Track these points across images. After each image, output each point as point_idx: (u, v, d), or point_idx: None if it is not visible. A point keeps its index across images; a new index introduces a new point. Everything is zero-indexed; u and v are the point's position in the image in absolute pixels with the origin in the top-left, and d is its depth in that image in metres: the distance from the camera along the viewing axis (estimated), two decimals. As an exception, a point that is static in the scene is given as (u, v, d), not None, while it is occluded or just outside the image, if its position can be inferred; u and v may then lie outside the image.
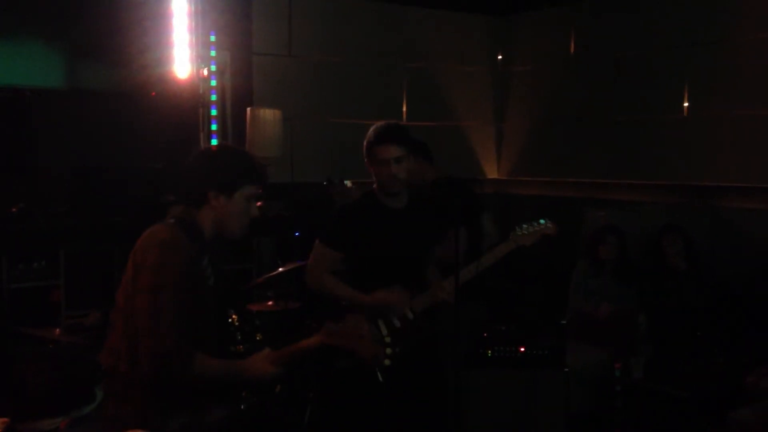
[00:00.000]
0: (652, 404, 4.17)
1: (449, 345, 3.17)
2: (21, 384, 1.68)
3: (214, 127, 5.50)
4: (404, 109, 6.52)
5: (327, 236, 3.23)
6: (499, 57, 7.03)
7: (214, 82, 5.46)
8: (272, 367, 2.40)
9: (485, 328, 4.00)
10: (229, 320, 3.41)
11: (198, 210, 2.38)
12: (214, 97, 5.48)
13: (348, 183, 3.95)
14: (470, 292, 3.25)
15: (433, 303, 3.24)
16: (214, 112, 5.49)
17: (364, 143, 3.18)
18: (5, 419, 1.67)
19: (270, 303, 4.20)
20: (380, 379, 3.16)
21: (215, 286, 2.43)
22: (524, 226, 3.30)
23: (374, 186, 3.25)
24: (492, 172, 7.09)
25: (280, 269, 4.08)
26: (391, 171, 3.10)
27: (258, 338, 3.59)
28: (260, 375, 2.41)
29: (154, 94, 5.19)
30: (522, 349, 3.85)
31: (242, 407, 2.96)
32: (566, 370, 3.82)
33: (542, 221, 3.31)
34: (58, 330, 4.31)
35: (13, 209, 4.61)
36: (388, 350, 3.19)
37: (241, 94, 5.61)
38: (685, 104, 5.50)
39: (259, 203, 2.47)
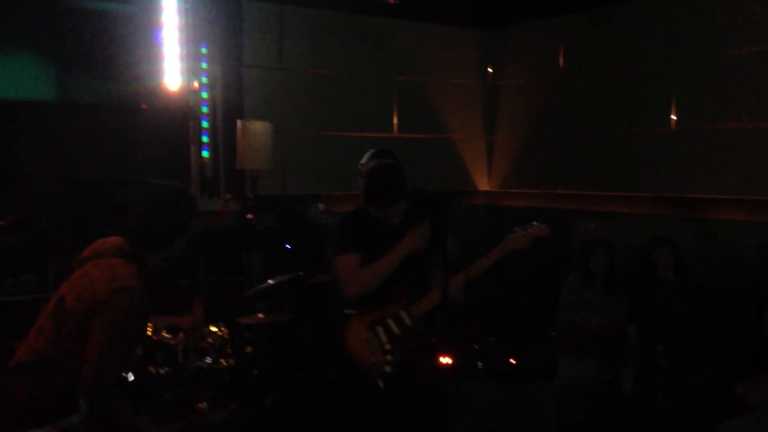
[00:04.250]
0: (642, 416, 4.17)
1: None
2: (6, 396, 1.68)
3: (205, 139, 5.50)
4: (395, 121, 6.54)
5: (343, 245, 3.36)
6: (490, 70, 7.07)
7: (204, 95, 5.46)
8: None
9: (476, 340, 4.00)
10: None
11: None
12: (204, 110, 5.49)
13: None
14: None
15: (431, 308, 3.30)
16: (205, 125, 5.49)
17: (359, 179, 3.26)
18: None
19: (260, 315, 4.18)
20: (381, 385, 3.21)
21: None
22: (516, 229, 3.34)
23: None
24: (483, 185, 7.12)
25: (270, 282, 4.06)
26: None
27: (248, 351, 3.57)
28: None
29: (144, 106, 5.19)
30: (513, 362, 3.85)
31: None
32: (557, 382, 3.82)
33: (534, 223, 3.36)
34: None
35: (2, 222, 4.59)
36: (388, 357, 3.24)
37: (231, 107, 5.61)
38: (673, 117, 5.54)
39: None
